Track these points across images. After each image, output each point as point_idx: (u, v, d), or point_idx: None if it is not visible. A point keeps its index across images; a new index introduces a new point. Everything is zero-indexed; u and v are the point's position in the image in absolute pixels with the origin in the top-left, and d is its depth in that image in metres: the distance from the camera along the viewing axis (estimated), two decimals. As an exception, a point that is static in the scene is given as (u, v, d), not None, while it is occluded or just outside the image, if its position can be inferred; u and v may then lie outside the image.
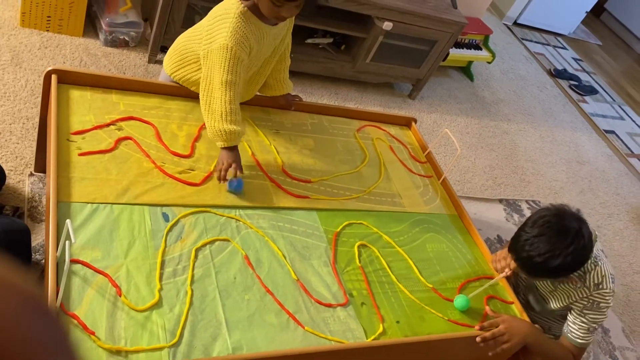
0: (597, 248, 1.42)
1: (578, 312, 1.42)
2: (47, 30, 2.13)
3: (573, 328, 1.42)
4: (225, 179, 1.33)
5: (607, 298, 1.40)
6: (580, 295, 1.42)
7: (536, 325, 1.42)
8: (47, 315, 0.41)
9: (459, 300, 1.39)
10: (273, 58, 1.53)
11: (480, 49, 3.29)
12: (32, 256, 1.41)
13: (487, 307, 1.42)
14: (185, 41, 1.48)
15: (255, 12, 1.34)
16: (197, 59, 1.43)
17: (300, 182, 1.49)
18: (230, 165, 1.33)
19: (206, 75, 1.34)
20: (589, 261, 1.38)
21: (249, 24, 1.33)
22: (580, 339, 1.41)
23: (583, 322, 1.41)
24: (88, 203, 1.17)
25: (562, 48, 4.73)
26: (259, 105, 1.66)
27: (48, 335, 0.40)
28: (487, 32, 3.26)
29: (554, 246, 1.26)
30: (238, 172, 1.33)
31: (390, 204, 1.58)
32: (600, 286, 1.40)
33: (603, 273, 1.41)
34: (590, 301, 1.41)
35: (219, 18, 1.35)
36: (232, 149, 1.35)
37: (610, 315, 2.30)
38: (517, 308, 1.47)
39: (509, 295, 1.50)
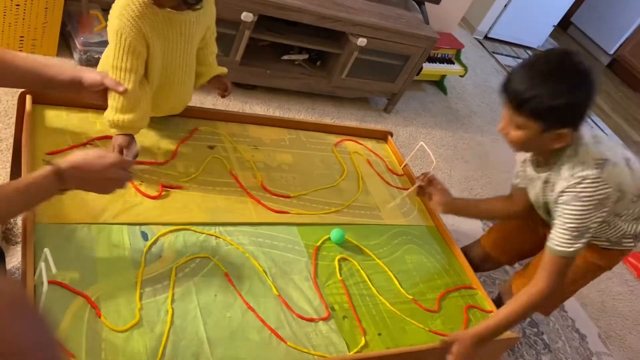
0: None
1: (558, 213, 1.27)
2: (21, 50, 2.11)
3: (552, 234, 1.27)
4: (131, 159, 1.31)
5: (584, 184, 1.22)
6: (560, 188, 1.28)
7: (477, 333, 1.28)
8: (33, 314, 0.42)
9: (334, 233, 1.43)
10: (193, 47, 1.43)
11: (453, 63, 3.36)
12: (8, 279, 1.38)
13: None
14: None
15: None
16: None
17: (280, 197, 1.50)
18: (124, 150, 1.32)
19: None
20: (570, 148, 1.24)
21: (144, 11, 1.25)
22: (558, 246, 1.26)
23: (561, 222, 1.25)
24: (65, 224, 1.16)
25: (531, 61, 4.85)
26: (235, 121, 1.66)
27: (35, 333, 0.40)
28: (458, 46, 3.33)
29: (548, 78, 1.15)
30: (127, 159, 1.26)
31: (369, 216, 1.60)
32: (577, 173, 1.23)
33: (582, 160, 1.24)
34: (566, 194, 1.25)
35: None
36: (126, 135, 1.33)
37: (587, 321, 2.35)
38: (496, 317, 1.49)
39: (488, 304, 1.52)
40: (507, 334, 1.44)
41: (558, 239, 1.27)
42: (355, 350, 1.23)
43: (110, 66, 1.30)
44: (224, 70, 1.57)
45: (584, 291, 2.49)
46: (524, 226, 1.68)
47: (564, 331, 2.25)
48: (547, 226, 1.49)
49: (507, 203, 1.61)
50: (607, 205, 1.26)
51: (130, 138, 1.35)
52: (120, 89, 1.28)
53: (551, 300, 1.67)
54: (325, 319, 1.25)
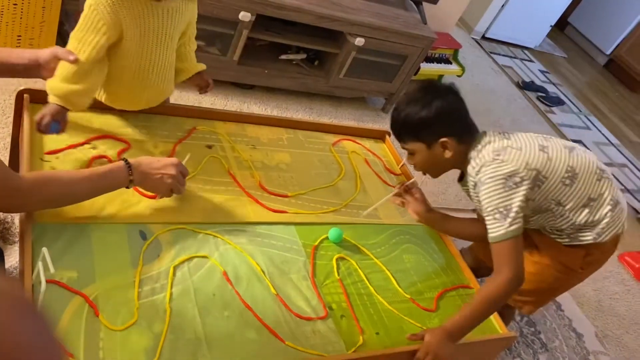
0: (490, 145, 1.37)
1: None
2: (18, 50, 2.11)
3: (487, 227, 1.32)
4: (45, 132, 1.25)
5: (484, 170, 1.32)
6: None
7: (444, 327, 1.28)
8: (35, 317, 0.42)
9: (332, 232, 1.44)
10: (173, 40, 1.40)
11: (450, 63, 3.36)
12: (5, 279, 1.38)
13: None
14: None
15: None
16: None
17: (278, 197, 1.50)
18: (45, 117, 1.24)
19: None
20: (471, 153, 1.37)
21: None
22: (490, 233, 1.30)
23: (483, 210, 1.32)
24: (63, 223, 1.16)
25: (529, 61, 4.87)
26: (233, 121, 1.67)
27: (36, 336, 0.40)
28: (456, 46, 3.34)
29: (410, 98, 1.40)
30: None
31: (366, 216, 1.60)
32: (478, 164, 1.35)
33: (482, 155, 1.35)
34: (477, 186, 1.34)
35: None
36: (60, 106, 1.26)
37: (583, 320, 2.36)
38: (493, 315, 1.50)
39: (485, 303, 1.52)
40: (505, 333, 1.45)
41: (488, 227, 1.31)
42: (353, 349, 1.23)
43: (71, 36, 1.27)
44: (204, 66, 1.56)
45: (580, 291, 2.50)
46: None
47: (561, 330, 2.25)
48: (533, 230, 1.53)
49: (480, 226, 1.58)
50: (520, 184, 1.30)
51: (64, 111, 1.27)
52: (71, 57, 1.24)
53: (539, 300, 1.66)
54: (323, 318, 1.26)
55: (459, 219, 1.66)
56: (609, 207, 1.43)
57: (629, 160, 4.06)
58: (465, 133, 1.41)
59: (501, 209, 1.29)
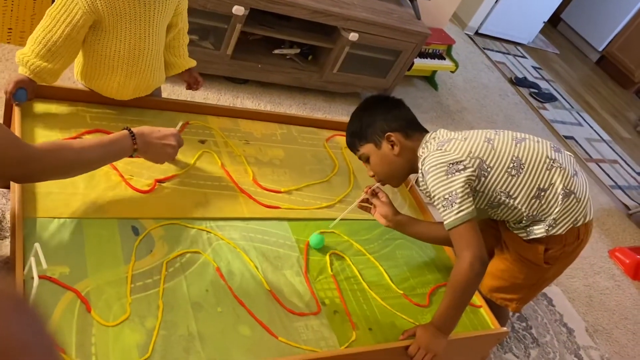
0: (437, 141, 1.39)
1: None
2: (9, 42, 2.09)
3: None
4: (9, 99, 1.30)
5: (427, 160, 1.33)
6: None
7: (431, 322, 1.29)
8: (27, 313, 0.41)
9: (313, 238, 1.42)
10: (158, 27, 1.38)
11: (444, 59, 3.37)
12: (-4, 274, 1.37)
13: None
14: None
15: None
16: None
17: (271, 192, 1.50)
18: (12, 84, 1.29)
19: None
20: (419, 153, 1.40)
21: None
22: (445, 221, 1.29)
23: (436, 203, 1.32)
24: (55, 218, 1.15)
25: (522, 57, 4.88)
26: (226, 116, 1.66)
27: (29, 332, 0.40)
28: (450, 42, 3.34)
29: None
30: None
31: (360, 212, 1.60)
32: (421, 160, 1.37)
33: (429, 149, 1.38)
34: (424, 179, 1.35)
35: None
36: (30, 79, 1.31)
37: (574, 315, 2.38)
38: (485, 311, 1.51)
39: (477, 299, 1.53)
40: (496, 329, 1.46)
41: (441, 216, 1.30)
42: (346, 344, 1.23)
43: (47, 12, 1.28)
44: (194, 63, 1.58)
45: (571, 286, 2.52)
46: (489, 227, 1.62)
47: (552, 325, 2.27)
48: (503, 224, 1.53)
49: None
50: (463, 171, 1.30)
51: (33, 82, 1.31)
52: None
53: (523, 297, 1.64)
54: (316, 314, 1.26)
55: (428, 222, 1.62)
56: (560, 197, 1.40)
57: (620, 157, 4.09)
58: (410, 129, 1.43)
59: (447, 196, 1.29)
